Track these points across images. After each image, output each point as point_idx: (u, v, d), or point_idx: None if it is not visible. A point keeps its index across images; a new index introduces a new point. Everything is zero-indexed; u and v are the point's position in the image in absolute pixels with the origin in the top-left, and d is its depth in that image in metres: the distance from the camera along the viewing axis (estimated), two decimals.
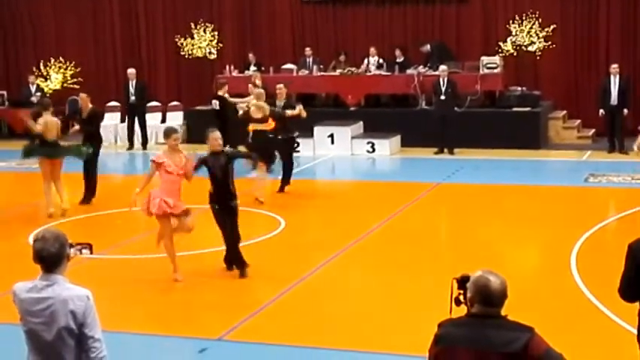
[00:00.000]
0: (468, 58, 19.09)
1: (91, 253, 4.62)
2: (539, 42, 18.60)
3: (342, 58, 19.74)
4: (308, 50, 20.21)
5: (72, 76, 21.71)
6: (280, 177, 14.10)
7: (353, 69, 19.30)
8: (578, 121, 19.03)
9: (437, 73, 17.90)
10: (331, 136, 18.35)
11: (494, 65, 18.33)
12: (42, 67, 21.72)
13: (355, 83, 19.18)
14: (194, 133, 17.82)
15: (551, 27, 18.61)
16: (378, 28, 20.59)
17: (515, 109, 18.20)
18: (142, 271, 9.90)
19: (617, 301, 5.23)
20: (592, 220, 11.61)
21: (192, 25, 20.85)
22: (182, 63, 21.48)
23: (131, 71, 19.97)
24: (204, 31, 20.77)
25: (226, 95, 15.47)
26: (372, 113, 19.20)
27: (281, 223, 12.01)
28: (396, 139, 18.38)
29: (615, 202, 13.29)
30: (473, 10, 19.87)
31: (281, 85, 14.48)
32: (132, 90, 19.72)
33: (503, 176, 15.33)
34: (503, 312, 3.92)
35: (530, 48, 18.66)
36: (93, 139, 13.65)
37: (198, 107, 20.01)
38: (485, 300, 3.90)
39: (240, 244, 9.62)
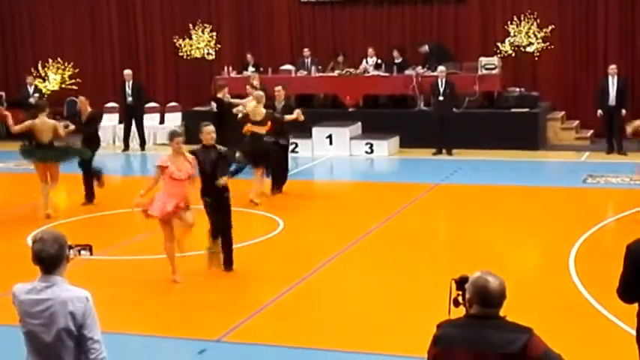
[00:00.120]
0: (466, 59, 19.11)
1: (91, 254, 4.62)
2: (538, 43, 18.61)
3: (340, 58, 19.74)
4: (306, 51, 20.21)
5: (70, 77, 21.71)
6: (270, 179, 14.06)
7: (351, 70, 19.30)
8: (577, 121, 19.04)
9: (435, 73, 17.91)
10: (330, 136, 18.35)
11: (492, 66, 18.34)
12: (40, 68, 21.71)
13: (353, 84, 19.18)
14: (192, 134, 17.78)
15: (550, 28, 18.62)
16: (376, 29, 20.60)
17: (513, 109, 18.20)
18: (141, 272, 9.90)
19: (616, 302, 5.23)
20: (590, 221, 11.62)
21: (191, 26, 20.84)
22: (180, 64, 21.48)
23: (127, 72, 19.98)
24: (203, 31, 20.77)
25: (227, 97, 15.44)
26: (371, 114, 19.20)
27: (279, 224, 12.01)
28: (395, 140, 18.38)
29: (614, 203, 13.30)
30: (471, 10, 19.88)
31: (279, 87, 14.47)
32: (128, 91, 19.73)
33: (502, 177, 15.34)
34: (501, 313, 3.93)
35: (528, 49, 18.66)
36: (91, 142, 13.65)
37: (197, 108, 20.00)
38: (484, 301, 3.90)
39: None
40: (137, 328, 8.09)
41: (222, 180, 9.43)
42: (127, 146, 19.87)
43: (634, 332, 5.22)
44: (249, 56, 20.40)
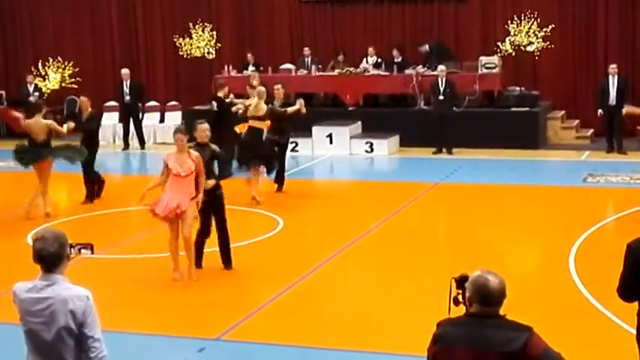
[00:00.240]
0: (466, 58, 19.10)
1: (92, 253, 4.62)
2: (538, 42, 18.61)
3: (340, 57, 19.74)
4: (306, 50, 20.21)
5: (70, 76, 21.70)
6: (274, 178, 14.07)
7: (351, 69, 19.30)
8: (577, 121, 19.04)
9: (435, 73, 17.91)
10: (330, 136, 18.35)
11: (492, 65, 18.33)
12: (40, 67, 21.71)
13: (354, 83, 19.18)
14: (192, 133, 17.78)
15: (550, 27, 18.61)
16: (376, 28, 20.59)
17: (513, 109, 18.20)
18: (141, 270, 9.90)
19: (616, 301, 5.24)
20: (590, 220, 11.62)
21: (191, 25, 20.83)
22: (180, 63, 21.47)
23: (125, 71, 19.98)
24: (203, 30, 20.76)
25: (231, 96, 15.45)
26: (371, 113, 19.20)
27: (279, 222, 12.02)
28: (395, 139, 18.38)
29: (614, 202, 13.30)
30: (471, 9, 19.87)
31: (279, 86, 14.46)
32: (126, 90, 19.73)
33: (502, 176, 15.35)
34: (501, 311, 3.93)
35: (528, 48, 18.65)
36: (91, 141, 13.66)
37: (197, 107, 19.98)
38: (484, 299, 3.90)
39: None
40: (137, 326, 8.10)
41: (210, 182, 9.42)
42: (126, 145, 19.88)
43: (634, 331, 5.22)
44: (249, 55, 20.40)
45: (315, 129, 18.28)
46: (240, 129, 13.52)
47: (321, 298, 8.91)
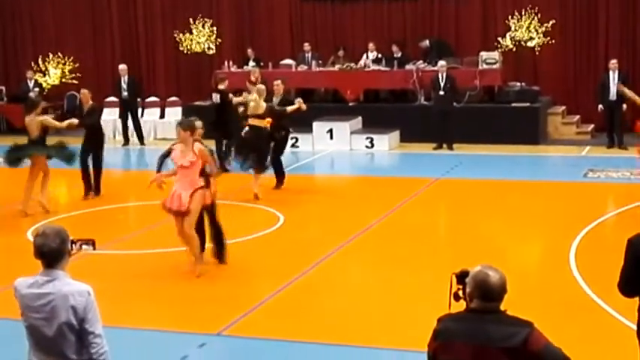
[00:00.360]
0: (467, 54, 19.10)
1: (94, 249, 4.62)
2: (539, 37, 18.60)
3: (340, 53, 19.74)
4: (307, 45, 20.20)
5: (70, 72, 21.71)
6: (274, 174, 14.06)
7: (352, 64, 19.29)
8: (577, 116, 19.04)
9: (436, 68, 17.90)
10: (330, 131, 18.34)
11: (493, 61, 18.32)
12: (40, 63, 21.70)
13: (354, 78, 19.18)
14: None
15: (551, 22, 18.60)
16: (376, 24, 20.59)
17: (514, 104, 18.20)
18: (142, 266, 9.90)
19: (616, 296, 5.23)
20: (591, 215, 11.62)
21: (191, 21, 20.83)
22: (181, 58, 21.47)
23: (122, 67, 19.98)
24: (203, 26, 20.76)
25: (230, 95, 15.44)
26: (371, 108, 19.19)
27: (280, 218, 12.02)
28: (395, 135, 18.38)
29: (614, 198, 13.31)
30: (472, 5, 19.86)
31: (278, 82, 14.44)
32: (124, 86, 19.72)
33: (502, 172, 15.35)
34: (502, 307, 3.93)
35: (529, 43, 18.65)
36: (95, 135, 13.66)
37: (197, 102, 19.99)
38: (485, 295, 3.91)
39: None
40: (138, 322, 8.10)
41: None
42: (127, 140, 19.88)
43: (634, 326, 5.22)
44: (249, 51, 20.39)
45: (315, 124, 18.27)
46: (249, 122, 13.36)
47: (321, 294, 8.91)
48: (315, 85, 20.08)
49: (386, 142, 18.02)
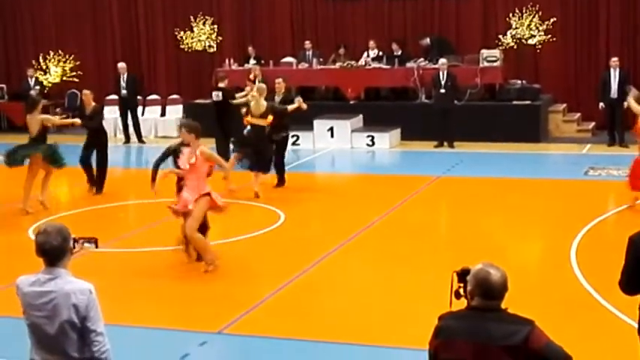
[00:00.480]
0: (467, 52, 19.08)
1: (96, 247, 4.63)
2: (540, 35, 18.58)
3: (341, 51, 19.73)
4: (308, 43, 20.20)
5: (71, 70, 21.70)
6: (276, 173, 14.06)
7: (353, 62, 19.29)
8: (578, 114, 19.04)
9: (437, 66, 17.90)
10: (331, 129, 18.34)
11: (494, 58, 18.31)
12: (41, 61, 21.71)
13: (355, 76, 19.17)
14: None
15: (552, 20, 18.58)
16: (377, 21, 20.58)
17: (515, 102, 18.20)
18: (143, 264, 9.91)
19: (617, 294, 5.24)
20: (592, 213, 11.62)
21: (192, 19, 20.82)
22: (182, 56, 21.46)
23: (121, 65, 19.98)
24: (204, 24, 20.75)
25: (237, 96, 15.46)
26: (372, 106, 19.19)
27: (281, 216, 12.02)
28: (396, 133, 18.38)
29: (615, 195, 13.29)
30: (473, 2, 19.85)
31: (280, 80, 14.45)
32: (123, 84, 19.72)
33: (503, 169, 15.35)
34: (503, 305, 3.94)
35: (530, 41, 18.63)
36: (98, 135, 13.69)
37: (198, 100, 20.00)
38: (486, 293, 3.91)
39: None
40: (139, 320, 8.11)
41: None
42: (127, 138, 19.88)
43: (635, 324, 5.22)
44: (250, 49, 20.40)
45: (316, 122, 18.27)
46: (249, 121, 13.36)
47: (322, 292, 8.92)
48: (316, 83, 20.07)
49: (387, 140, 18.02)
